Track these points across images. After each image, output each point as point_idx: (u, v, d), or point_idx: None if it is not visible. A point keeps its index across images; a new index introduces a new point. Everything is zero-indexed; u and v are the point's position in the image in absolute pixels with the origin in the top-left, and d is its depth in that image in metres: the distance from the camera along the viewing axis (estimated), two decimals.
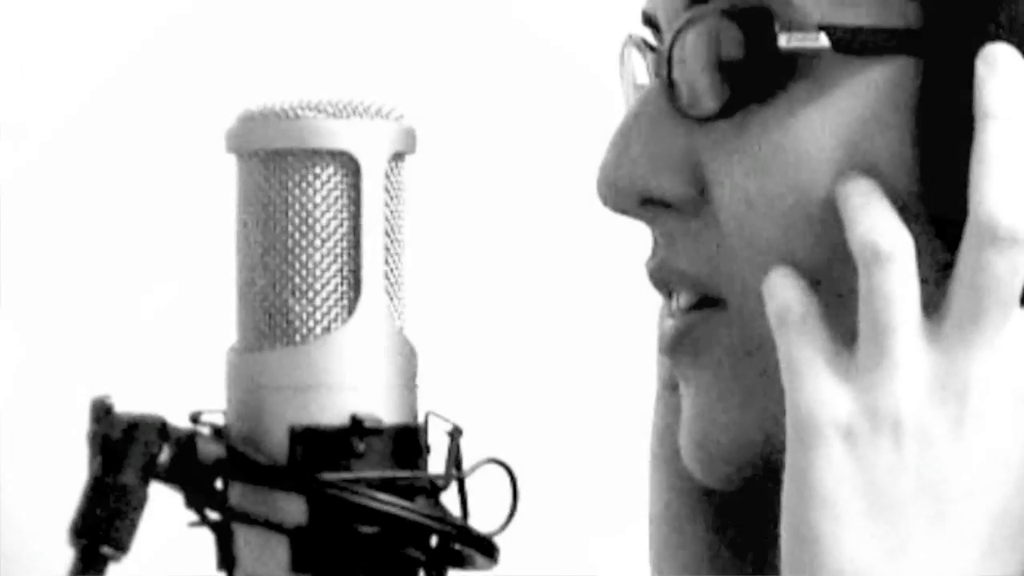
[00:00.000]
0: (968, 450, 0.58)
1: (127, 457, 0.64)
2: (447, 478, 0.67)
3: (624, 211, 0.65)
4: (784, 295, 0.60)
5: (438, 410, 0.68)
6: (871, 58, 0.60)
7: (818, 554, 0.56)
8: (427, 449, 0.68)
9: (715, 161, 0.63)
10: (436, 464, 0.67)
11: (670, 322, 0.67)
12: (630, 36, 0.68)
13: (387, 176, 0.68)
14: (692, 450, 0.66)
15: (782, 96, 0.61)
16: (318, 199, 0.67)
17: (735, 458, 0.64)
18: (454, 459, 0.67)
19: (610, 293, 2.30)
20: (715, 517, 0.69)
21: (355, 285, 0.67)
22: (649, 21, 0.66)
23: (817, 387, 0.57)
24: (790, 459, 0.58)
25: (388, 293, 0.69)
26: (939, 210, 0.60)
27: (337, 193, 0.67)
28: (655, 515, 0.73)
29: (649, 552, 0.73)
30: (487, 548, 0.65)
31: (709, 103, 0.62)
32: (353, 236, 0.67)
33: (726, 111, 0.62)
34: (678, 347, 0.65)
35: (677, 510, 0.71)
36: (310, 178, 0.67)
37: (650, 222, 0.66)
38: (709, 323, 0.65)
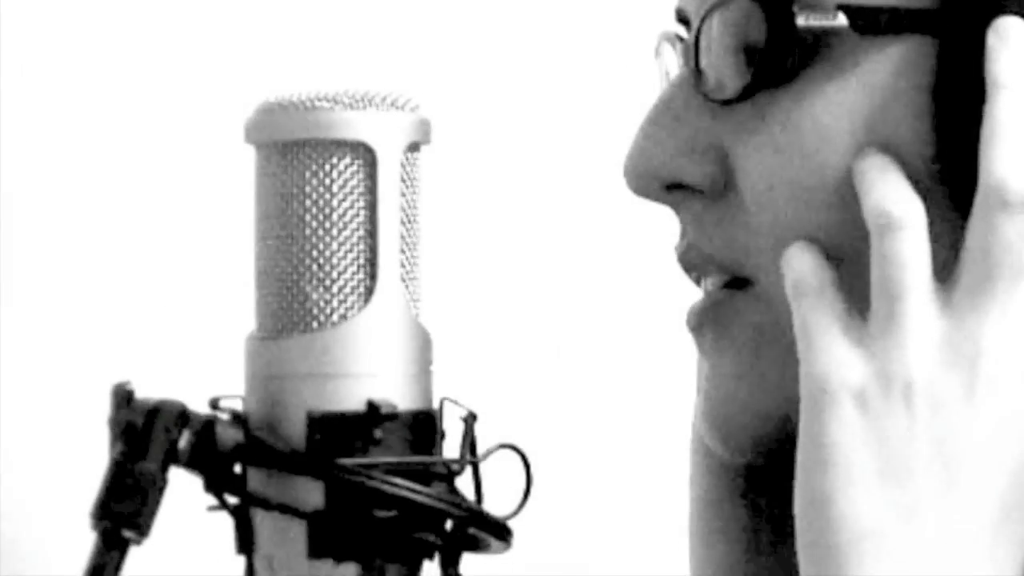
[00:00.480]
0: (979, 415, 0.58)
1: (148, 442, 0.65)
2: (462, 463, 0.67)
3: (650, 196, 0.66)
4: (801, 267, 0.61)
5: (453, 396, 0.69)
6: (887, 37, 0.61)
7: (831, 516, 0.57)
8: (442, 435, 0.68)
9: (739, 144, 0.64)
10: (451, 449, 0.68)
11: (697, 300, 0.67)
12: (664, 32, 0.69)
13: (403, 166, 0.69)
14: (708, 423, 0.67)
15: (802, 77, 0.62)
16: (335, 188, 0.67)
17: (751, 432, 0.65)
18: (469, 444, 0.68)
19: (624, 281, 2.30)
20: (754, 499, 0.70)
21: (371, 273, 0.68)
22: (682, 18, 0.67)
23: (831, 352, 0.58)
24: (804, 423, 0.59)
25: (404, 281, 0.69)
26: (955, 184, 0.61)
27: (354, 183, 0.68)
28: (695, 497, 0.74)
29: (689, 535, 0.74)
30: (501, 532, 0.66)
31: (732, 86, 0.63)
32: (369, 225, 0.68)
33: (748, 93, 0.63)
34: (703, 325, 0.66)
35: (718, 494, 0.72)
36: (327, 168, 0.67)
37: (676, 207, 0.67)
38: (734, 302, 0.66)
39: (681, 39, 0.67)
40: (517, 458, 0.67)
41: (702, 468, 0.73)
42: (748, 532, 0.70)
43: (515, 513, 0.66)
